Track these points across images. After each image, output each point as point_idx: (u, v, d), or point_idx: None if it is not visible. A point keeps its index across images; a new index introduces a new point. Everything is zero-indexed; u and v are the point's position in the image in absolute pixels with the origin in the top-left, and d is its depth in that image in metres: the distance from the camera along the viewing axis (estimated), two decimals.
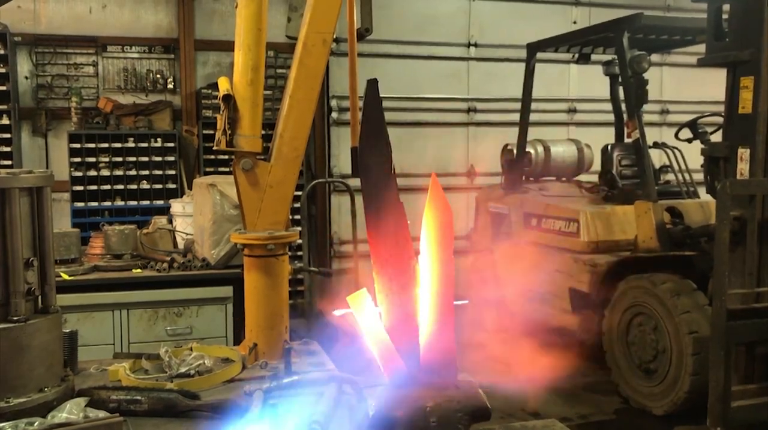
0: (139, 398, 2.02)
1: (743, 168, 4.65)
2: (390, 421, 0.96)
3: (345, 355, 2.33)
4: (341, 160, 8.53)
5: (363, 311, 1.06)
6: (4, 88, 7.50)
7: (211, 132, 7.46)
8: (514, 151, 7.37)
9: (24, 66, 7.95)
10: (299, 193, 7.55)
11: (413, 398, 0.97)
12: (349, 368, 1.92)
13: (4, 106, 7.51)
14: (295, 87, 2.51)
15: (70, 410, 1.86)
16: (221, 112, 2.47)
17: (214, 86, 7.91)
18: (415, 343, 1.04)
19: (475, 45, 9.26)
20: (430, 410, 0.94)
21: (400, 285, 1.04)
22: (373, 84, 1.05)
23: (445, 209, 1.04)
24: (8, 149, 7.53)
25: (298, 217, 7.61)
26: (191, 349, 2.47)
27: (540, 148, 7.31)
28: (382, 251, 1.05)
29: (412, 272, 1.05)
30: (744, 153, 4.67)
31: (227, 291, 4.51)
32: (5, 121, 7.52)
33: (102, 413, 1.89)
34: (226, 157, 7.25)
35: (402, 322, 1.04)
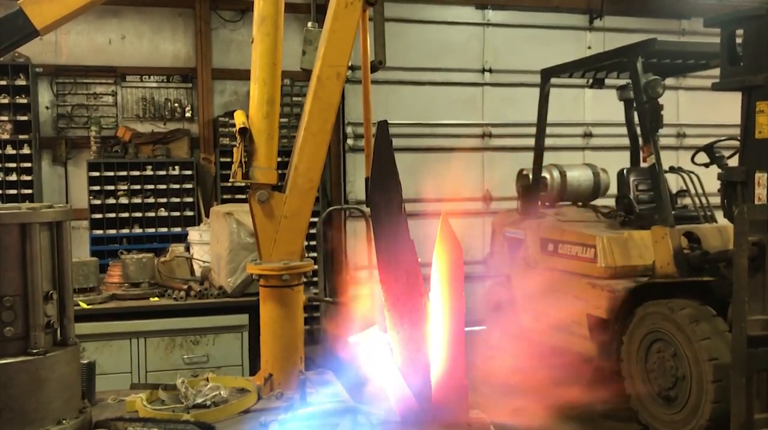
0: (155, 429, 2.03)
1: (761, 193, 4.62)
2: None
3: (358, 384, 2.32)
4: (357, 187, 8.58)
5: (374, 348, 1.07)
6: (25, 118, 7.64)
7: (228, 160, 7.51)
8: (530, 176, 7.37)
9: (45, 96, 8.10)
10: (315, 219, 7.59)
11: None
12: (363, 398, 1.92)
13: (26, 136, 7.65)
14: (309, 119, 2.55)
15: None
16: (237, 144, 2.51)
17: (231, 114, 8.00)
18: (427, 379, 1.04)
19: (490, 71, 9.32)
20: None
21: (411, 322, 1.05)
22: (383, 125, 1.07)
23: (456, 247, 1.05)
24: (29, 178, 7.64)
25: (313, 242, 7.64)
26: (207, 379, 2.49)
27: (556, 173, 7.31)
28: (394, 289, 1.06)
29: (423, 309, 1.06)
30: (761, 178, 4.64)
31: (243, 319, 4.52)
32: (26, 150, 7.65)
33: None
34: (243, 184, 7.38)
35: (413, 358, 1.05)
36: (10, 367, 1.86)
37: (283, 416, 2.00)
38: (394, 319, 1.06)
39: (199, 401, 2.32)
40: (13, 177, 7.59)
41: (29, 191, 7.61)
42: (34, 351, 1.90)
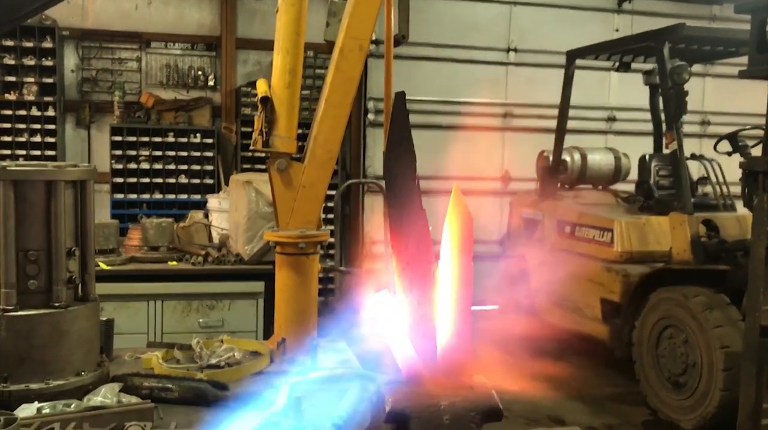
0: (170, 386, 2.09)
1: None
2: (405, 417, 1.00)
3: (370, 353, 2.38)
4: (375, 162, 8.60)
5: (384, 312, 1.10)
6: (51, 80, 7.72)
7: (250, 130, 7.57)
8: (550, 158, 7.34)
9: (70, 59, 8.17)
10: (333, 192, 7.63)
11: (428, 396, 1.02)
12: (373, 366, 1.97)
13: (51, 98, 7.74)
14: (330, 91, 2.57)
15: (105, 394, 1.94)
16: (259, 113, 2.54)
17: (254, 84, 8.01)
18: (433, 344, 1.08)
19: (515, 50, 9.24)
20: (444, 408, 0.99)
21: (420, 287, 1.08)
22: (400, 96, 1.09)
23: (467, 217, 1.08)
24: (53, 140, 7.75)
25: (331, 216, 7.69)
26: (222, 341, 2.55)
27: (577, 156, 7.28)
28: (404, 255, 1.09)
29: (432, 276, 1.10)
30: None
31: (259, 286, 4.60)
32: (51, 112, 7.74)
33: (135, 399, 1.96)
34: (263, 154, 7.43)
35: (421, 323, 1.08)
36: (33, 318, 1.92)
37: (293, 379, 2.04)
38: (404, 284, 1.10)
39: (213, 361, 2.38)
40: (38, 138, 7.70)
41: (52, 153, 7.72)
42: (56, 304, 1.96)
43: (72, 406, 1.87)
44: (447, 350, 1.07)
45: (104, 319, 2.36)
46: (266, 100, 2.53)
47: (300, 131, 2.70)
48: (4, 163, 1.94)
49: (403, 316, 1.09)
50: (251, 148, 2.62)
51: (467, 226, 1.08)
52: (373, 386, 1.86)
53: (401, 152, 1.09)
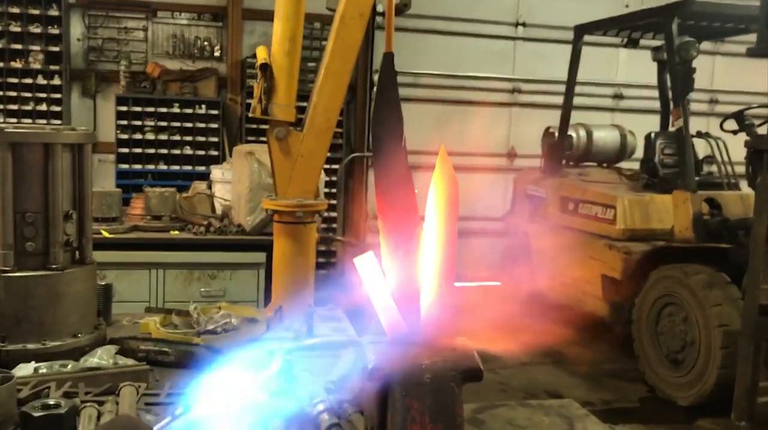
0: (166, 350, 2.12)
1: None
2: (386, 375, 1.02)
3: (367, 323, 2.39)
4: None
5: (369, 273, 1.11)
6: (57, 49, 7.70)
7: None
8: (556, 135, 7.31)
9: (77, 28, 8.13)
10: (337, 166, 7.62)
11: (411, 356, 1.03)
12: (362, 329, 1.99)
13: (56, 67, 7.72)
14: (330, 59, 2.56)
15: (101, 356, 1.97)
16: (258, 80, 2.54)
17: None
18: (417, 305, 1.09)
19: (524, 24, 9.16)
20: (425, 367, 1.00)
21: (405, 250, 1.09)
22: (388, 57, 1.09)
23: (452, 180, 1.08)
24: (58, 109, 7.75)
25: (334, 190, 7.70)
26: (219, 308, 2.57)
27: (582, 133, 7.25)
28: (390, 217, 1.10)
29: (417, 238, 1.10)
30: None
31: (260, 257, 4.62)
32: (57, 81, 7.73)
33: (131, 361, 1.99)
34: (266, 126, 7.42)
35: (405, 285, 1.09)
36: (30, 280, 1.95)
37: (289, 345, 2.07)
38: (389, 246, 1.10)
39: (210, 327, 2.40)
40: (43, 107, 7.70)
41: (58, 122, 7.72)
42: (53, 266, 1.98)
43: (68, 367, 1.89)
44: (430, 312, 1.08)
45: (103, 283, 2.39)
46: (265, 67, 2.53)
47: (299, 104, 2.69)
48: (1, 125, 1.95)
49: (388, 278, 1.10)
50: (250, 115, 2.63)
51: (453, 188, 1.08)
52: (366, 353, 1.88)
53: (388, 114, 1.09)
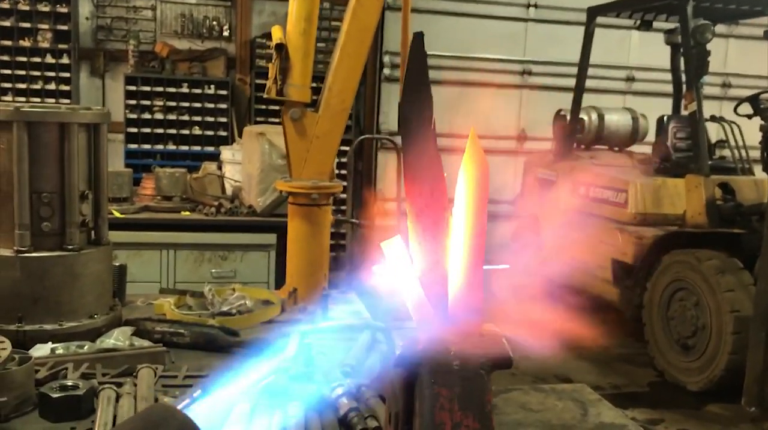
0: (182, 331, 2.11)
1: None
2: (415, 361, 1.00)
3: (380, 306, 2.39)
4: (390, 118, 8.52)
5: (396, 258, 1.09)
6: (65, 27, 7.67)
7: (264, 81, 7.50)
8: (567, 117, 7.25)
9: (85, 7, 8.09)
10: (346, 147, 7.58)
11: (439, 342, 1.01)
12: (383, 318, 1.97)
13: (65, 46, 7.69)
14: (346, 39, 2.53)
15: (117, 337, 1.96)
16: (273, 60, 2.51)
17: (269, 36, 7.91)
18: (444, 291, 1.07)
19: (535, 6, 9.06)
20: (454, 354, 0.98)
21: (433, 234, 1.07)
22: (418, 38, 1.06)
23: (483, 163, 1.06)
24: (67, 88, 7.73)
25: (344, 171, 7.66)
26: (234, 290, 2.56)
27: (594, 116, 7.19)
28: (418, 201, 1.08)
29: (446, 223, 1.08)
30: None
31: (271, 238, 4.62)
32: (65, 60, 7.71)
33: (147, 343, 1.99)
34: (277, 107, 7.41)
35: (432, 270, 1.07)
36: (46, 260, 1.94)
37: (304, 328, 2.06)
38: (417, 231, 1.08)
39: (224, 309, 2.40)
40: (52, 86, 7.68)
41: (67, 101, 7.70)
42: (69, 247, 1.97)
43: (85, 347, 1.89)
44: (458, 297, 1.07)
45: (117, 264, 2.38)
46: (281, 47, 2.50)
47: (314, 85, 2.66)
48: (18, 104, 1.93)
49: (415, 263, 1.09)
50: (265, 96, 2.60)
51: (483, 173, 1.06)
52: (382, 336, 1.87)
53: (418, 96, 1.06)
